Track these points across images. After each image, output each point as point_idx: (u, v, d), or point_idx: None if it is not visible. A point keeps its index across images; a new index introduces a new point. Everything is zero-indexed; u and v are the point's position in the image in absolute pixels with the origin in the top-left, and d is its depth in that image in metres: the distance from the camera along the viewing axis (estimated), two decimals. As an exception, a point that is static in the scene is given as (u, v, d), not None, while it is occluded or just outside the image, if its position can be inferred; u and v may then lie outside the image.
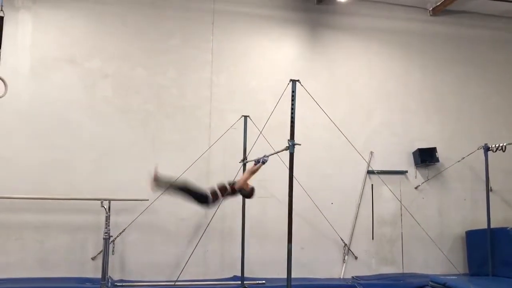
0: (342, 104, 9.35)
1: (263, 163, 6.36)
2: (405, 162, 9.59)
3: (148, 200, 7.94)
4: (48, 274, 7.78)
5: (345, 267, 9.04)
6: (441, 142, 9.63)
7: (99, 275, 7.49)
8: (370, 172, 9.28)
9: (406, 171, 9.55)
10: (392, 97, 9.71)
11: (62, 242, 7.98)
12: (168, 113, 8.66)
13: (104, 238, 7.49)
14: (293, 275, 8.33)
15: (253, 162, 6.55)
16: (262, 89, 9.02)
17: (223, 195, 6.33)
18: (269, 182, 8.80)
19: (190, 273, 8.00)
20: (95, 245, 7.99)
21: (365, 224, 9.25)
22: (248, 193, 6.59)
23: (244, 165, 8.07)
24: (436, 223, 9.45)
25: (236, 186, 6.44)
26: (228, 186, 6.42)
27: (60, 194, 7.86)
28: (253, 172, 6.47)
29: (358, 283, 8.33)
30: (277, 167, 8.03)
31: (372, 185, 9.32)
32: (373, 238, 9.22)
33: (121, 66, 8.62)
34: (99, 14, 8.64)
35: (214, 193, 6.30)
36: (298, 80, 5.84)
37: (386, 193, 9.10)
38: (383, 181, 8.32)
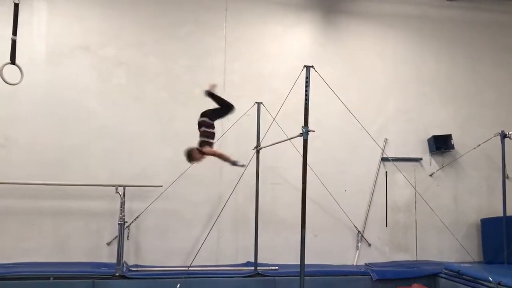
0: (356, 90, 9.28)
1: (235, 164, 6.48)
2: (420, 149, 9.51)
3: (162, 186, 8.03)
4: (65, 259, 7.92)
5: (358, 254, 9.04)
6: (456, 129, 9.52)
7: (114, 260, 7.61)
8: (384, 159, 9.23)
9: (421, 158, 9.47)
10: (407, 83, 9.60)
11: (78, 228, 8.10)
12: (181, 101, 8.69)
13: (119, 224, 7.60)
14: (306, 262, 8.37)
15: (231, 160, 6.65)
16: (276, 76, 8.98)
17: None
18: (283, 169, 8.83)
19: (204, 259, 8.02)
20: (111, 230, 8.10)
21: (379, 211, 9.22)
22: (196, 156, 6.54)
23: (258, 152, 8.09)
24: (451, 211, 9.38)
25: (205, 150, 6.46)
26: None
27: (76, 180, 7.96)
28: (222, 156, 6.54)
29: (372, 270, 8.32)
30: (290, 154, 8.06)
31: (386, 172, 9.27)
32: (386, 225, 9.20)
33: (135, 54, 8.65)
34: (114, 2, 8.66)
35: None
36: (312, 66, 5.80)
37: (400, 180, 9.05)
38: (397, 168, 8.26)
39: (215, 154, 6.56)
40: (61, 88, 8.27)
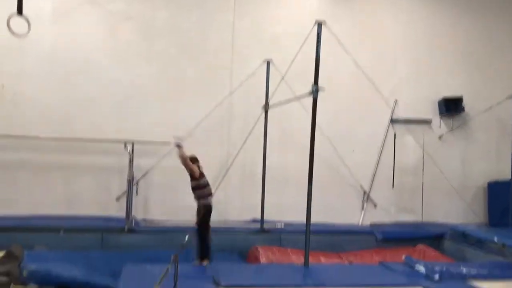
0: (367, 51, 9.11)
1: (178, 146, 6.11)
2: (430, 112, 9.43)
3: (170, 143, 8.03)
4: (75, 213, 8.04)
5: (364, 214, 9.12)
6: (468, 92, 9.39)
7: (123, 215, 7.74)
8: (393, 121, 9.16)
9: (430, 121, 9.40)
10: (420, 44, 9.42)
11: (87, 182, 8.19)
12: (190, 57, 8.59)
13: (127, 180, 7.68)
14: (312, 221, 8.54)
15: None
16: (285, 34, 8.82)
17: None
18: (291, 128, 8.80)
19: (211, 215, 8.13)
20: (119, 186, 8.19)
21: (386, 173, 9.23)
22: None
23: (266, 111, 8.05)
24: (458, 174, 9.38)
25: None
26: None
27: (84, 135, 7.98)
28: (182, 157, 6.19)
29: (377, 229, 8.41)
30: (299, 114, 8.00)
31: (394, 134, 9.22)
32: (393, 187, 9.22)
33: (144, 9, 8.50)
34: (121, -46, 8.45)
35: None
36: (323, 22, 5.67)
37: (409, 142, 9.04)
38: (406, 130, 8.23)
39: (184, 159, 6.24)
40: (69, 43, 8.18)
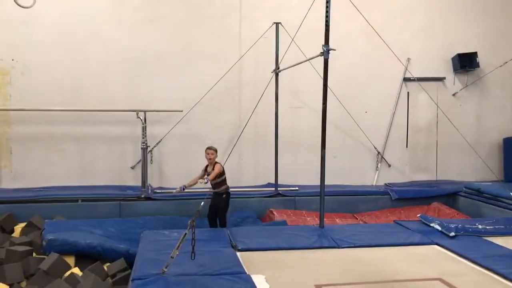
0: (379, 8, 8.88)
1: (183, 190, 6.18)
2: (443, 69, 9.26)
3: (182, 111, 8.05)
4: (90, 183, 8.16)
5: (377, 175, 9.12)
6: (482, 47, 9.17)
7: (139, 183, 7.83)
8: (406, 80, 9.03)
9: (444, 78, 9.24)
10: (432, -1, 9.19)
11: (101, 152, 8.27)
12: (197, 22, 8.46)
13: (142, 148, 7.73)
14: (326, 183, 8.60)
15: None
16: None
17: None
18: (302, 92, 8.73)
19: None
20: (134, 155, 8.26)
21: (399, 132, 9.16)
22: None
23: (277, 74, 7.97)
24: (473, 131, 9.26)
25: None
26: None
27: (95, 106, 7.99)
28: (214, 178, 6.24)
29: (391, 189, 8.43)
30: (310, 76, 7.92)
31: (408, 92, 9.10)
32: (407, 146, 9.18)
33: (148, -27, 8.35)
34: None
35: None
36: (333, -22, 5.52)
37: (422, 101, 8.93)
38: (420, 88, 8.09)
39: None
40: (76, 13, 8.09)
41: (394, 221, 6.35)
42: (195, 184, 6.20)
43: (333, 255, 4.81)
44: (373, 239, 5.29)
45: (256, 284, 3.86)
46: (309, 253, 4.87)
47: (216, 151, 6.40)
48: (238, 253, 4.76)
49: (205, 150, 6.40)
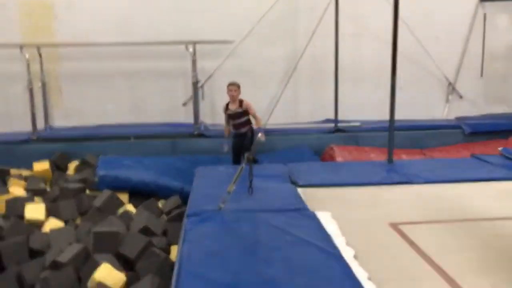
0: None
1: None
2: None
3: (233, 41, 7.52)
4: (142, 121, 7.92)
5: (448, 108, 8.35)
6: None
7: (191, 120, 7.51)
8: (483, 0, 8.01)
9: (527, -5, 8.13)
10: None
11: (152, 89, 7.94)
12: None
13: (193, 83, 7.34)
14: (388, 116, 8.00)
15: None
16: None
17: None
18: (365, 18, 7.92)
19: (280, 118, 7.68)
20: (185, 91, 7.90)
21: (474, 59, 8.24)
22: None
23: (336, 0, 7.22)
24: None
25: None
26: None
27: (143, 38, 7.59)
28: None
29: (464, 122, 7.68)
30: (373, 1, 7.15)
31: (484, 14, 8.07)
32: (482, 75, 8.27)
33: None
34: None
35: None
36: None
37: (501, 23, 7.93)
38: (499, 8, 7.14)
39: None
40: None
41: (471, 155, 5.69)
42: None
43: (407, 192, 4.29)
44: (449, 174, 4.71)
45: (322, 221, 3.44)
46: (378, 189, 4.37)
47: (239, 87, 5.98)
48: (299, 189, 4.34)
49: (227, 86, 5.97)
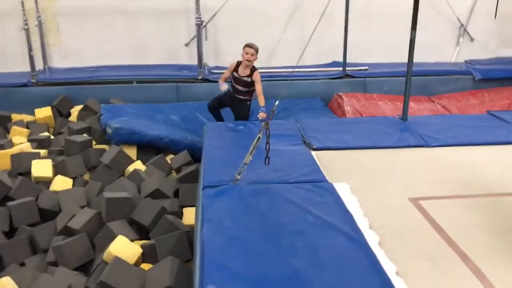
0: None
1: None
2: None
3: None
4: (143, 62, 7.64)
5: (458, 50, 8.09)
6: None
7: (194, 62, 7.26)
8: None
9: None
10: None
11: (152, 28, 7.59)
12: None
13: (196, 24, 7.01)
14: (396, 59, 7.75)
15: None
16: None
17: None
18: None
19: (284, 60, 7.44)
20: (187, 31, 7.57)
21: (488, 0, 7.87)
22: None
23: None
24: None
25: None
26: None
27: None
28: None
29: (474, 68, 7.47)
30: None
31: (505, -50, 7.62)
32: (495, 17, 7.93)
33: None
34: None
35: None
36: None
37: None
38: None
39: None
40: None
41: (487, 111, 5.57)
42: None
43: (424, 157, 4.20)
44: (466, 136, 4.60)
45: (341, 195, 3.39)
46: (394, 153, 4.28)
47: (257, 51, 5.23)
48: (314, 153, 4.25)
49: (244, 48, 5.21)
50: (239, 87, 5.33)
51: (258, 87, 5.17)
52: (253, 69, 5.24)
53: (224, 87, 5.44)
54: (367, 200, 3.37)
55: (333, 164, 4.02)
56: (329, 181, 3.64)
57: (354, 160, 4.12)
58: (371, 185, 3.65)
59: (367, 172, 3.88)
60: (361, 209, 3.22)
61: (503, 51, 8.17)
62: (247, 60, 5.17)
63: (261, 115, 4.93)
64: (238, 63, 5.33)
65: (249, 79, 5.24)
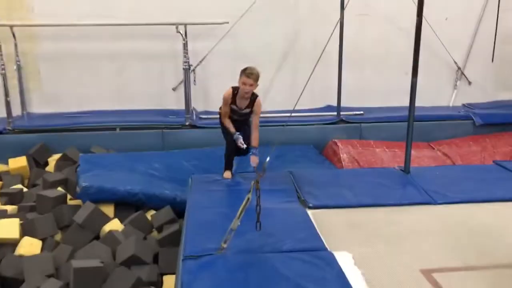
0: None
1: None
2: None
3: (228, 23, 6.82)
4: (127, 107, 7.28)
5: (455, 94, 7.85)
6: None
7: (181, 107, 6.92)
8: (499, -25, 7.38)
9: (548, -27, 7.51)
10: None
11: (138, 72, 7.28)
12: None
13: (183, 68, 6.70)
14: (394, 103, 7.49)
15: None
16: None
17: None
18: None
19: (278, 104, 7.13)
20: (174, 75, 7.25)
21: (485, 43, 7.68)
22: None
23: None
24: None
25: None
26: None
27: (129, 19, 6.83)
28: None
29: (474, 112, 7.19)
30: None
31: (500, -6, 7.48)
32: (493, 60, 7.73)
33: None
34: None
35: None
36: None
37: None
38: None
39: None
40: None
41: (493, 162, 5.21)
42: None
43: (432, 217, 3.78)
44: (475, 191, 4.21)
45: (343, 267, 2.95)
46: (399, 212, 3.86)
47: (258, 78, 4.32)
48: (310, 212, 3.83)
49: (241, 76, 4.29)
50: (238, 118, 4.53)
51: (256, 121, 4.43)
52: (254, 97, 4.43)
53: (241, 141, 4.45)
54: (373, 273, 2.93)
55: (332, 227, 3.59)
56: (328, 249, 3.20)
57: (355, 222, 3.69)
58: (376, 254, 3.20)
59: (370, 237, 3.44)
60: (368, 286, 2.78)
61: (501, 95, 7.95)
62: (245, 92, 4.33)
63: (254, 160, 4.33)
64: (235, 93, 4.42)
65: (248, 110, 4.46)
